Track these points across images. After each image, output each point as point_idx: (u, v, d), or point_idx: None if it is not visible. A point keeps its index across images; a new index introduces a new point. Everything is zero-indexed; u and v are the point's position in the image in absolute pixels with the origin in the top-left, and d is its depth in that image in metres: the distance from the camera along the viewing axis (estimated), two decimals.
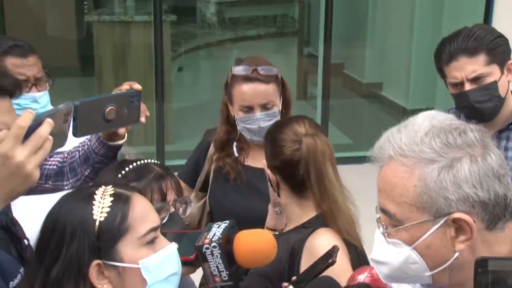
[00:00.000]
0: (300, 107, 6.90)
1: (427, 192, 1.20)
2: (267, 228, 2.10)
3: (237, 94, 2.37)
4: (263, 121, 2.34)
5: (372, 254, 1.33)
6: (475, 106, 2.20)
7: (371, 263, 1.36)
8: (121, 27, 6.59)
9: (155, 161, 1.75)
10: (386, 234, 1.28)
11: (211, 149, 2.53)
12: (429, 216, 1.21)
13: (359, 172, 3.83)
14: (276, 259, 1.94)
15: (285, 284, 1.64)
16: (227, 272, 1.38)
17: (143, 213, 1.32)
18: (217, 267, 1.38)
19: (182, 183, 1.98)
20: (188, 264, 1.42)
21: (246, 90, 2.35)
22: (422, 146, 1.21)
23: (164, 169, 1.72)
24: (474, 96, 2.20)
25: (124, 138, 1.88)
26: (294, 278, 1.63)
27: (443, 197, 1.19)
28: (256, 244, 1.42)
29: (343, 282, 1.56)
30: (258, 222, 2.06)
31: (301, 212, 2.00)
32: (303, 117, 2.10)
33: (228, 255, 1.38)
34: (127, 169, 1.68)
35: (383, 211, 1.27)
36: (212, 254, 1.37)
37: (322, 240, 1.88)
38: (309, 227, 1.95)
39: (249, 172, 2.46)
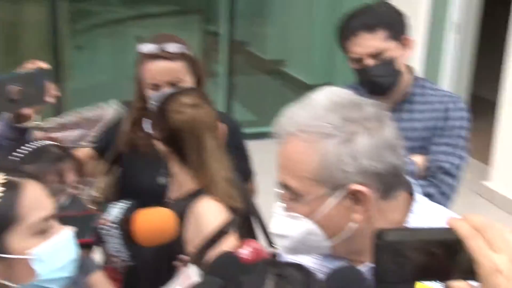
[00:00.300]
0: None
1: (327, 166, 1.23)
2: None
3: (144, 72, 2.33)
4: None
5: (273, 228, 1.36)
6: (375, 81, 2.27)
7: (273, 237, 1.38)
8: (15, 3, 6.27)
9: (54, 143, 1.68)
10: (286, 208, 1.31)
11: (125, 118, 2.47)
12: (328, 189, 1.24)
13: (264, 148, 3.88)
14: None
15: (184, 256, 1.63)
16: (128, 253, 1.35)
17: (35, 201, 1.27)
18: (116, 247, 1.35)
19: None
20: (88, 247, 1.38)
21: (152, 68, 2.30)
22: (322, 121, 1.24)
23: (64, 151, 1.65)
24: (374, 71, 2.26)
25: (31, 119, 1.80)
26: (193, 251, 1.63)
27: (341, 170, 1.23)
28: (154, 222, 1.40)
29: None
30: None
31: (185, 181, 2.01)
32: (192, 89, 2.10)
33: (127, 235, 1.35)
34: (23, 151, 1.61)
35: (284, 186, 1.30)
36: (111, 235, 1.34)
37: (206, 206, 1.91)
38: (192, 195, 1.97)
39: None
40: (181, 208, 1.92)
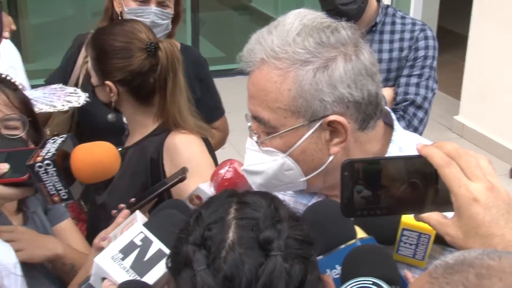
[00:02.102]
0: None
1: (303, 95, 1.14)
2: None
3: None
4: (157, 16, 2.20)
5: (245, 164, 1.27)
6: (340, 8, 2.21)
7: (245, 174, 1.29)
8: None
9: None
10: (259, 143, 1.21)
11: (83, 53, 2.33)
12: (304, 121, 1.15)
13: (232, 85, 3.79)
14: (134, 173, 1.87)
15: (121, 205, 1.56)
16: (66, 190, 1.26)
17: None
18: (54, 185, 1.25)
19: None
20: (23, 185, 1.28)
21: None
22: (295, 47, 1.13)
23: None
24: None
25: None
26: (132, 199, 1.57)
27: (319, 100, 1.13)
28: (93, 156, 1.30)
29: (208, 175, 1.50)
30: None
31: (146, 121, 1.92)
32: (133, 21, 1.97)
33: (65, 172, 1.25)
34: None
35: (256, 118, 1.20)
36: (47, 172, 1.23)
37: (180, 138, 1.86)
38: (160, 133, 1.89)
39: None
40: (153, 146, 1.86)
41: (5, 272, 1.32)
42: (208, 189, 1.44)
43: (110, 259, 1.06)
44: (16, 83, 1.57)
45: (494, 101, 4.99)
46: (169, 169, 1.83)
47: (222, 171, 1.41)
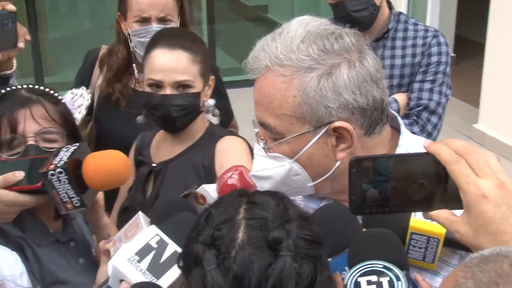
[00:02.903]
0: None
1: (307, 102, 1.14)
2: None
3: (133, 3, 2.20)
4: None
5: (253, 169, 1.28)
6: (352, 15, 2.21)
7: (253, 179, 1.30)
8: None
9: (31, 86, 1.55)
10: (266, 149, 1.22)
11: (97, 69, 2.36)
12: (310, 127, 1.16)
13: (249, 95, 3.80)
14: (185, 183, 1.87)
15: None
16: (78, 198, 1.27)
17: None
18: (66, 193, 1.27)
19: None
20: (37, 193, 1.30)
21: (144, 0, 2.19)
22: (300, 54, 1.14)
23: (35, 95, 1.51)
24: (350, 5, 2.21)
25: (11, 67, 1.75)
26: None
27: (324, 106, 1.14)
28: (104, 164, 1.31)
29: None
30: None
31: (196, 130, 1.98)
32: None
33: (77, 180, 1.27)
34: None
35: (262, 124, 1.21)
36: (59, 180, 1.26)
37: (228, 143, 1.93)
38: (205, 142, 1.95)
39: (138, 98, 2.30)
40: (201, 154, 1.90)
41: (12, 284, 1.32)
42: (212, 191, 1.44)
43: (127, 262, 1.07)
44: (59, 97, 1.59)
45: None
46: (220, 173, 1.85)
47: (226, 176, 1.42)
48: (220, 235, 0.92)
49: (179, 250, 1.07)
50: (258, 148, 1.25)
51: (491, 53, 5.21)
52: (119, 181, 1.36)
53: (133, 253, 1.08)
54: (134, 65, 2.29)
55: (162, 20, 2.20)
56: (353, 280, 0.94)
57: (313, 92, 1.13)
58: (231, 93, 2.55)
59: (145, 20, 2.20)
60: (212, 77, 1.97)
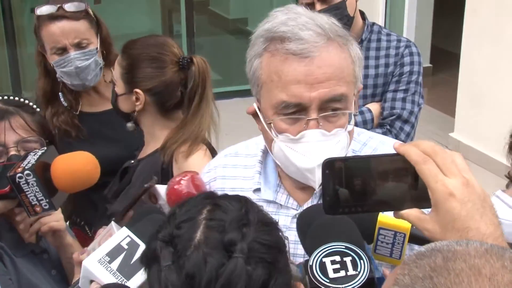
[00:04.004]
0: None
1: (355, 68, 1.26)
2: None
3: (46, 37, 2.18)
4: (79, 60, 2.17)
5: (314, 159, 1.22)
6: None
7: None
8: None
9: (6, 97, 1.55)
10: (327, 127, 1.22)
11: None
12: (355, 90, 1.26)
13: (230, 107, 3.83)
14: (143, 182, 1.88)
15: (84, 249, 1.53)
16: (47, 200, 1.28)
17: None
18: (35, 195, 1.28)
19: None
20: (6, 198, 1.31)
21: (55, 30, 2.16)
22: (336, 26, 1.25)
23: (12, 106, 1.53)
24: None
25: None
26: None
27: (359, 70, 1.27)
28: (72, 166, 1.33)
29: None
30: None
31: (161, 135, 1.96)
32: (164, 37, 2.06)
33: (46, 183, 1.29)
34: None
35: (334, 99, 1.22)
36: (27, 183, 1.27)
37: (198, 155, 1.90)
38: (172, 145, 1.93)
39: (90, 120, 2.32)
40: (167, 157, 1.89)
41: None
42: (163, 192, 1.47)
43: (97, 262, 1.09)
44: (34, 106, 1.60)
45: (488, 117, 5.02)
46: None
47: (174, 181, 1.44)
48: (179, 233, 0.93)
49: None
50: (314, 133, 1.22)
51: (466, 64, 5.30)
52: (88, 182, 1.37)
53: (104, 254, 1.10)
54: (61, 94, 2.29)
55: (78, 46, 2.18)
56: (318, 261, 0.98)
57: (357, 59, 1.27)
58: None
59: (62, 50, 2.18)
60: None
